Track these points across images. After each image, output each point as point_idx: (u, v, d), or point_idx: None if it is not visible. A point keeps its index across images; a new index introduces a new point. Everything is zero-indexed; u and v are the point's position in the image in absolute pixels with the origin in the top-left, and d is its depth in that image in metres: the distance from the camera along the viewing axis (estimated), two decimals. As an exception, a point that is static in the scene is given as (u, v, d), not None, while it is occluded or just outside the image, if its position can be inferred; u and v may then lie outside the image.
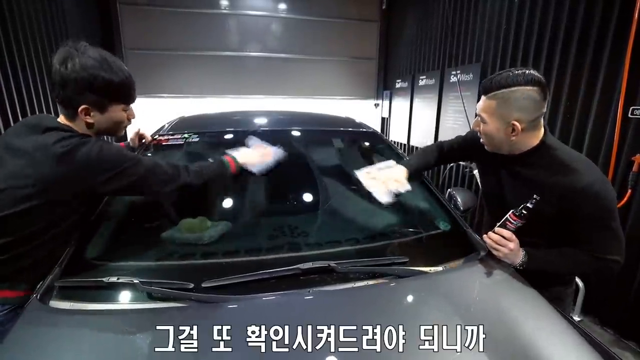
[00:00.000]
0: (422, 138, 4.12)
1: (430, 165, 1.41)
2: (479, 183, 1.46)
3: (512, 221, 1.01)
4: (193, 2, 4.50)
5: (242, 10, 4.71)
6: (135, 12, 4.39)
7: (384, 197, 1.16)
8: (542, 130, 1.06)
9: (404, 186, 1.21)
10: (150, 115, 4.32)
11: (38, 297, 0.86)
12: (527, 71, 0.99)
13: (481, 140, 1.13)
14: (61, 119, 0.98)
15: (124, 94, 0.96)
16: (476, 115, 1.11)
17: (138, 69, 4.51)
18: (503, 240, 1.03)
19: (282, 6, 4.83)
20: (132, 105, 1.07)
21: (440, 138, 3.76)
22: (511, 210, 1.02)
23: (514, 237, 1.03)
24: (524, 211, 0.99)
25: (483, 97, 1.06)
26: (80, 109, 0.92)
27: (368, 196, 1.20)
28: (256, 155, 1.26)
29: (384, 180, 1.21)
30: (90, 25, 3.95)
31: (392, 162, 1.33)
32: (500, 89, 1.00)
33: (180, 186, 1.06)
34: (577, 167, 1.00)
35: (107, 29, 4.28)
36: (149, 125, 1.80)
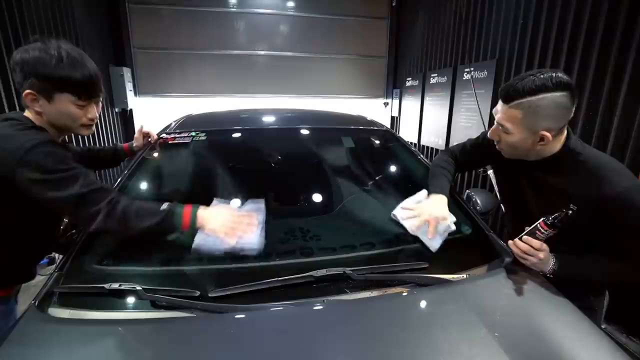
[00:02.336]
0: (433, 137, 4.03)
1: (451, 180, 1.24)
2: (495, 187, 1.38)
3: (543, 231, 0.92)
4: (201, 1, 4.48)
5: (250, 9, 4.67)
6: (144, 11, 4.38)
7: (433, 243, 1.01)
8: (566, 132, 0.98)
9: (451, 223, 1.04)
10: (159, 114, 4.36)
11: (36, 304, 0.81)
12: (554, 74, 0.88)
13: (498, 147, 1.04)
14: (25, 112, 0.98)
15: (73, 84, 0.92)
16: (495, 123, 1.00)
17: (147, 68, 4.52)
18: (532, 250, 0.94)
19: (291, 4, 4.78)
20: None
21: (452, 137, 3.66)
22: (542, 219, 0.92)
23: (544, 246, 0.94)
24: (557, 221, 0.89)
25: (504, 106, 0.95)
26: (25, 93, 0.91)
27: (415, 239, 1.04)
28: (224, 225, 0.90)
29: (427, 218, 1.02)
30: (99, 24, 3.95)
31: (425, 193, 1.17)
32: (525, 96, 0.89)
33: (104, 224, 0.87)
34: (608, 174, 0.91)
35: (116, 28, 4.28)
36: (158, 124, 1.76)
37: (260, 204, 1.01)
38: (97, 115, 1.02)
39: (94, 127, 1.04)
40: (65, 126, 0.98)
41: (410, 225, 1.04)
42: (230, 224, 0.90)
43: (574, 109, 0.92)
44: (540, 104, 0.89)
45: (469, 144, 1.28)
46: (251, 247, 0.89)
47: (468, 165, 1.36)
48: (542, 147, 0.95)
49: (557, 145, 0.97)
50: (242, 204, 1.05)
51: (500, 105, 0.97)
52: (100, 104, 1.04)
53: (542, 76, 0.88)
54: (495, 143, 1.04)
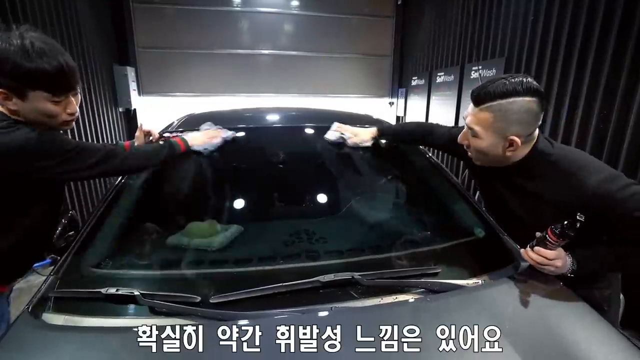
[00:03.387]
0: (440, 137, 3.97)
1: (413, 141, 1.41)
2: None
3: (553, 242, 0.87)
4: (205, 0, 4.46)
5: (254, 8, 4.65)
6: (149, 10, 4.38)
7: (330, 135, 1.34)
8: (536, 137, 0.95)
9: (363, 141, 1.33)
10: (162, 113, 4.35)
11: (29, 309, 0.78)
12: (525, 79, 0.87)
13: (469, 154, 1.01)
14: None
15: (42, 81, 0.85)
16: (465, 127, 0.97)
17: (150, 67, 4.51)
18: (546, 260, 0.89)
19: (295, 3, 4.75)
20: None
21: (460, 137, 3.60)
22: (549, 228, 0.87)
23: (560, 253, 0.89)
24: (566, 231, 0.84)
25: (474, 108, 0.92)
26: None
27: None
28: (204, 137, 1.29)
29: (351, 132, 1.34)
30: (103, 24, 3.95)
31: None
32: (496, 99, 0.87)
33: (115, 166, 1.03)
34: (578, 172, 0.89)
35: (120, 27, 4.27)
36: (161, 124, 1.73)
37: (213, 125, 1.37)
38: (77, 109, 0.96)
39: (73, 123, 1.01)
40: (44, 123, 0.92)
41: (333, 127, 1.35)
42: (207, 136, 1.29)
43: (542, 115, 0.91)
44: (510, 108, 0.87)
45: (448, 133, 1.24)
46: (227, 138, 1.31)
47: (439, 146, 1.39)
48: (512, 153, 0.93)
49: (526, 150, 0.95)
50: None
51: (470, 108, 0.94)
52: (79, 96, 0.98)
53: (513, 80, 0.87)
54: (465, 148, 1.01)
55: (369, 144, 1.34)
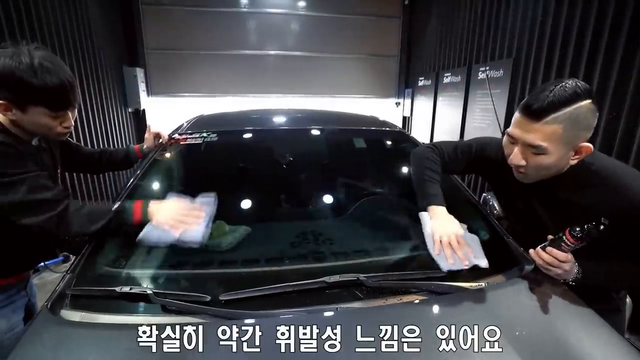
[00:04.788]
0: (446, 138, 3.95)
1: (441, 182, 1.13)
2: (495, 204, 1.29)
3: (569, 244, 0.87)
4: (213, 1, 4.50)
5: (261, 9, 4.68)
6: (157, 12, 4.43)
7: (479, 262, 0.94)
8: None
9: (465, 230, 0.99)
10: (171, 114, 4.41)
11: (49, 305, 0.81)
12: (577, 82, 0.82)
13: (519, 173, 0.93)
14: None
15: (45, 98, 0.90)
16: (519, 145, 0.88)
17: (159, 68, 4.57)
18: (556, 262, 0.89)
19: (302, 4, 4.77)
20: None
21: (466, 138, 3.59)
22: (567, 229, 0.87)
23: (569, 257, 0.89)
24: (584, 235, 0.83)
25: (534, 123, 0.83)
26: None
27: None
28: (175, 216, 0.93)
29: (447, 242, 0.95)
30: (113, 25, 4.01)
31: (426, 215, 1.04)
32: (561, 108, 0.80)
33: (55, 224, 0.89)
34: (623, 181, 0.87)
35: (130, 29, 4.34)
36: (170, 124, 1.77)
37: (210, 198, 1.02)
38: (72, 123, 1.01)
39: (70, 133, 1.03)
40: (37, 132, 0.97)
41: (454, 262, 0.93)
42: (177, 217, 0.93)
43: None
44: (578, 114, 0.81)
45: (460, 151, 1.15)
46: (193, 240, 0.90)
47: (455, 172, 1.26)
48: (574, 162, 0.88)
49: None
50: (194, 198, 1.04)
51: (525, 123, 0.85)
52: (76, 110, 1.02)
53: (568, 85, 0.81)
54: (517, 170, 0.92)
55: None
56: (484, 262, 0.94)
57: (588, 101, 0.82)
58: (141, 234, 0.90)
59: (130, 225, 0.94)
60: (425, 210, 1.03)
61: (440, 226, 0.97)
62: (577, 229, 0.84)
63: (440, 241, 0.95)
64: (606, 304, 0.89)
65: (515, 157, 0.89)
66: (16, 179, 0.87)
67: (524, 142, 0.86)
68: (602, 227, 0.81)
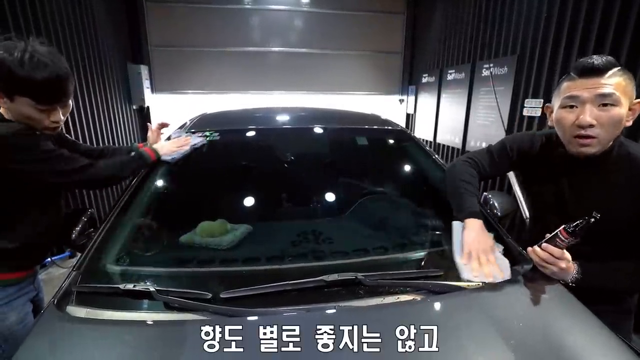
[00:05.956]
0: (450, 135, 3.94)
1: (478, 195, 1.13)
2: (516, 189, 1.31)
3: (564, 239, 0.87)
4: (216, -2, 4.50)
5: (265, 5, 4.67)
6: (161, 9, 4.44)
7: (503, 275, 0.93)
8: None
9: (498, 245, 0.99)
10: (175, 110, 4.44)
11: (55, 302, 0.84)
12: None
13: (587, 140, 0.90)
14: None
15: (30, 90, 0.94)
16: (588, 104, 0.89)
17: (163, 65, 4.59)
18: (552, 258, 0.90)
19: (305, 0, 4.74)
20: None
21: (470, 136, 3.58)
22: (562, 226, 0.88)
23: (565, 255, 0.90)
24: (577, 229, 0.84)
25: (601, 79, 0.87)
26: None
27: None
28: (172, 145, 1.35)
29: (480, 257, 0.95)
30: (117, 23, 4.03)
31: (458, 225, 1.03)
32: (617, 65, 0.88)
33: (90, 175, 1.09)
34: None
35: (134, 26, 4.36)
36: (174, 121, 1.78)
37: (199, 137, 1.44)
38: (63, 119, 1.05)
39: (60, 128, 1.10)
40: (29, 125, 1.02)
41: (478, 275, 0.92)
42: (175, 144, 1.36)
43: None
44: (629, 74, 0.88)
45: (497, 155, 1.15)
46: (196, 145, 1.38)
47: (496, 175, 1.29)
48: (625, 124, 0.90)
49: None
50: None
51: (587, 83, 0.88)
52: (70, 107, 1.07)
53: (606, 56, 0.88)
54: (586, 131, 0.90)
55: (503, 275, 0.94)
56: (505, 276, 0.92)
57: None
58: (164, 158, 1.31)
59: (149, 163, 1.28)
60: (461, 220, 1.03)
61: (474, 240, 0.97)
62: (572, 224, 0.85)
63: (470, 253, 0.94)
64: (617, 306, 0.89)
65: (586, 116, 0.89)
66: (53, 155, 1.02)
67: (596, 95, 0.88)
68: (592, 220, 0.82)
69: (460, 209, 1.05)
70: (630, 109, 0.90)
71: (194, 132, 1.51)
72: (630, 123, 0.91)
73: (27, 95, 0.94)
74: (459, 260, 0.96)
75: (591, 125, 0.89)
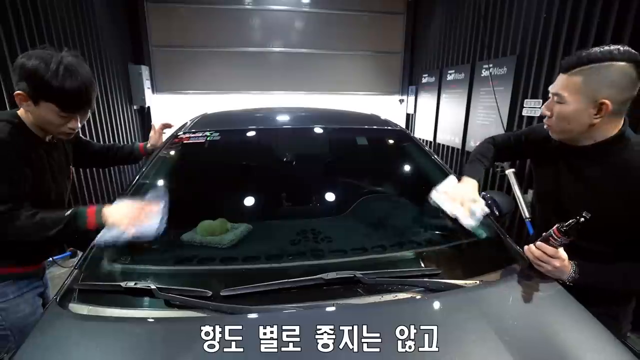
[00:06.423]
0: (450, 135, 3.95)
1: (488, 165, 1.25)
2: (515, 187, 1.34)
3: (557, 238, 0.88)
4: (217, -2, 4.52)
5: (266, 6, 4.68)
6: (162, 9, 4.46)
7: (469, 221, 1.01)
8: (623, 120, 0.93)
9: (482, 206, 1.06)
10: (175, 111, 4.45)
11: (58, 299, 0.85)
12: (622, 47, 0.85)
13: (546, 125, 1.00)
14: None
15: (58, 97, 0.97)
16: (550, 96, 0.97)
17: (164, 66, 4.60)
18: (545, 256, 0.91)
19: (306, 0, 4.76)
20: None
21: (469, 136, 3.58)
22: (555, 225, 0.89)
23: (559, 253, 0.91)
24: (569, 229, 0.85)
25: (562, 75, 0.93)
26: (15, 93, 0.98)
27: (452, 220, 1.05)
28: (128, 215, 0.96)
29: (461, 201, 1.04)
30: (118, 23, 4.04)
31: (453, 178, 1.17)
32: (589, 63, 0.87)
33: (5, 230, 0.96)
34: None
35: (135, 27, 4.37)
36: (175, 121, 1.79)
37: (160, 192, 1.06)
38: (79, 127, 1.08)
39: (78, 133, 1.14)
40: (45, 129, 1.05)
41: (450, 208, 1.04)
42: (130, 215, 0.96)
43: (638, 85, 0.87)
44: (603, 71, 0.86)
45: (513, 139, 1.27)
46: (149, 233, 0.94)
47: (508, 154, 1.34)
48: (597, 125, 0.90)
49: (613, 129, 0.93)
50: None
51: (559, 78, 0.94)
52: (88, 116, 1.10)
53: (610, 48, 0.86)
54: (545, 120, 1.00)
55: (486, 208, 1.07)
56: (470, 224, 1.02)
57: (622, 63, 0.84)
58: (98, 237, 0.94)
59: (86, 230, 0.98)
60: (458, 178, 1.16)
61: (461, 188, 1.10)
62: (564, 223, 0.86)
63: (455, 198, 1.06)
64: (606, 309, 0.90)
65: (545, 106, 1.00)
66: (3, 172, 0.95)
67: (551, 91, 0.96)
68: (582, 219, 0.83)
69: (464, 171, 1.19)
70: (599, 107, 0.88)
71: (194, 132, 1.51)
72: (597, 120, 0.90)
73: (54, 101, 0.98)
74: (438, 200, 1.07)
75: (546, 115, 0.99)
